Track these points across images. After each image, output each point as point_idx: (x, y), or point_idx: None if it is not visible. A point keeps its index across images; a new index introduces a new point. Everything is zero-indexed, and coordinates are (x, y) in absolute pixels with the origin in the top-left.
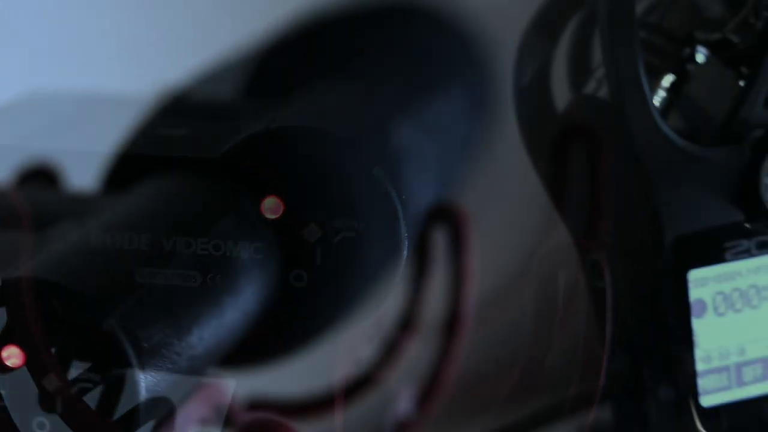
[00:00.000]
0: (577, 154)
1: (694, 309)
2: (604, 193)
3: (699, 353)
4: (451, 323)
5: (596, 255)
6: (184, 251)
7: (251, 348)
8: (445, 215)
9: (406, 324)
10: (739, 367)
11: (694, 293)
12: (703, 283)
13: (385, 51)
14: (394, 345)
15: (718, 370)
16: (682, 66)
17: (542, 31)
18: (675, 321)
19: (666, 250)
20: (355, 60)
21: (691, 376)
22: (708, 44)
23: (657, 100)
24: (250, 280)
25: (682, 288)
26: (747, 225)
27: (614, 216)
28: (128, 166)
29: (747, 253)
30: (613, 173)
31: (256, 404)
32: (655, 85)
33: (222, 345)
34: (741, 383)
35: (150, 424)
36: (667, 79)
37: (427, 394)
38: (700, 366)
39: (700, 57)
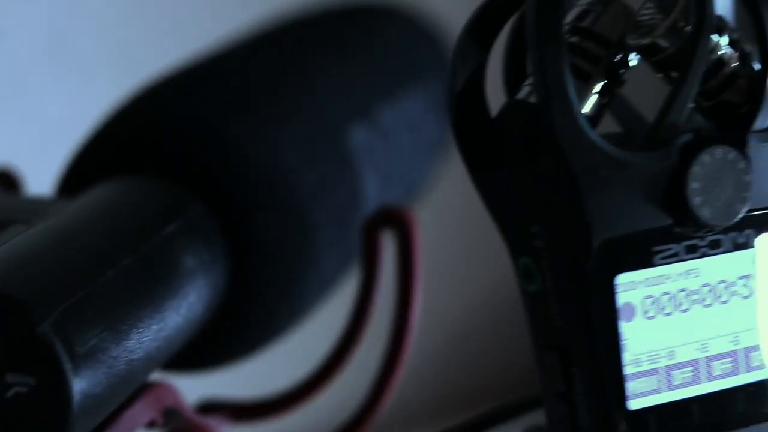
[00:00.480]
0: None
1: (623, 313)
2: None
3: (628, 357)
4: (399, 326)
5: (528, 258)
6: (125, 258)
7: (200, 351)
8: (392, 219)
9: (354, 326)
10: (669, 370)
11: (623, 297)
12: (632, 287)
13: (354, 51)
14: (342, 346)
15: (647, 374)
16: (615, 71)
17: (475, 37)
18: (603, 325)
19: (593, 254)
20: (318, 61)
21: (619, 379)
22: (639, 49)
23: (589, 105)
24: (195, 287)
25: (609, 292)
26: (676, 229)
27: (543, 220)
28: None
29: (676, 257)
30: (542, 176)
31: (208, 406)
32: (587, 90)
33: (165, 349)
34: (671, 386)
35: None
36: (599, 85)
37: (374, 394)
38: (629, 369)
39: (632, 62)
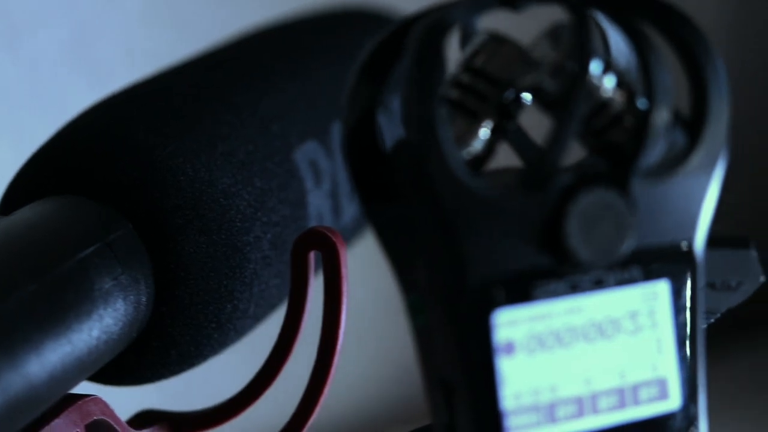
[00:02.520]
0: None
1: (502, 349)
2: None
3: (508, 391)
4: (325, 347)
5: (414, 294)
6: (30, 283)
7: (131, 366)
8: (319, 241)
9: (282, 346)
10: (552, 405)
11: (503, 333)
12: (512, 323)
13: (315, 65)
14: (270, 365)
15: (528, 409)
16: (505, 110)
17: (367, 76)
18: (480, 360)
19: (468, 292)
20: (271, 78)
21: (497, 414)
22: (529, 88)
23: (477, 143)
24: (112, 309)
25: (485, 329)
26: (557, 267)
27: (424, 257)
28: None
29: (557, 294)
30: (421, 215)
31: (143, 419)
32: (473, 129)
33: (77, 371)
34: (553, 421)
35: None
36: (488, 125)
37: (301, 412)
38: (508, 404)
39: (522, 102)
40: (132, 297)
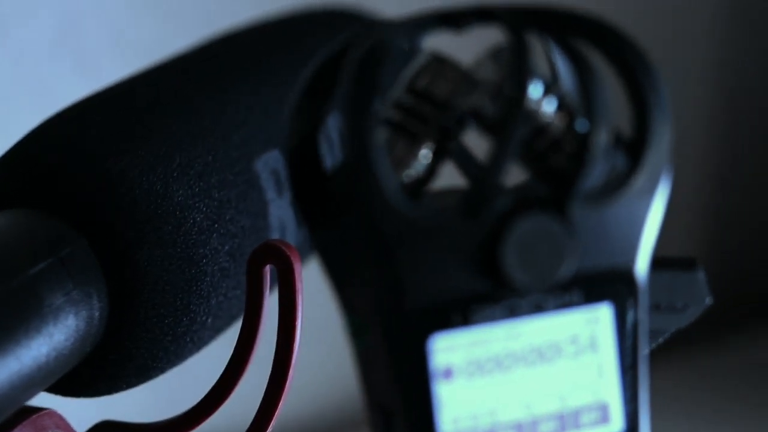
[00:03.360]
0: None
1: (440, 373)
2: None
3: (446, 416)
4: (280, 362)
5: (354, 316)
6: None
7: (88, 379)
8: (274, 254)
9: (238, 360)
10: (491, 430)
11: (440, 358)
12: (450, 348)
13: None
14: (226, 378)
15: None
16: (446, 133)
17: (310, 94)
18: (415, 385)
19: (404, 316)
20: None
21: None
22: (469, 111)
23: (418, 165)
24: (62, 324)
25: (422, 353)
26: (495, 291)
27: (362, 280)
28: None
29: (496, 319)
30: (358, 238)
31: (102, 430)
32: (413, 150)
33: (26, 386)
34: None
35: None
36: (429, 146)
37: (256, 427)
38: (446, 428)
39: (463, 124)
40: (84, 312)
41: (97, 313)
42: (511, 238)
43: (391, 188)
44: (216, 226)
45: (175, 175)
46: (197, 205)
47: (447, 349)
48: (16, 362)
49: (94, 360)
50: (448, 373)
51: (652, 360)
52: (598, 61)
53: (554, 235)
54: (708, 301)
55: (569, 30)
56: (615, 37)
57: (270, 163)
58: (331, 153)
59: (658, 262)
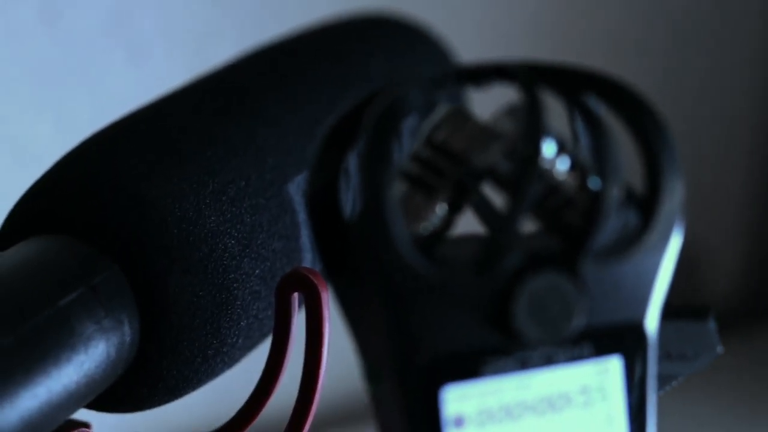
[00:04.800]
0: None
1: (453, 422)
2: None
3: None
4: (306, 388)
5: (370, 363)
6: (6, 336)
7: (121, 397)
8: (301, 282)
9: (264, 385)
10: None
11: (452, 407)
12: (462, 398)
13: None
14: (252, 403)
15: None
16: (462, 187)
17: (332, 145)
18: None
19: (421, 367)
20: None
21: None
22: (485, 168)
23: (435, 218)
24: (93, 353)
25: (434, 403)
26: (505, 345)
27: (378, 330)
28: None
29: (507, 370)
30: (369, 290)
31: None
32: (430, 204)
33: (55, 413)
34: None
35: None
36: (446, 199)
37: None
38: None
39: (480, 178)
40: (115, 338)
41: (128, 339)
42: (522, 295)
43: (405, 244)
44: (247, 250)
45: (207, 201)
46: (229, 230)
47: (459, 398)
48: (46, 393)
49: (125, 381)
50: (459, 422)
51: None
52: (610, 118)
53: (565, 292)
54: (719, 350)
55: (582, 88)
56: (627, 96)
57: (302, 185)
58: (349, 200)
59: (669, 311)
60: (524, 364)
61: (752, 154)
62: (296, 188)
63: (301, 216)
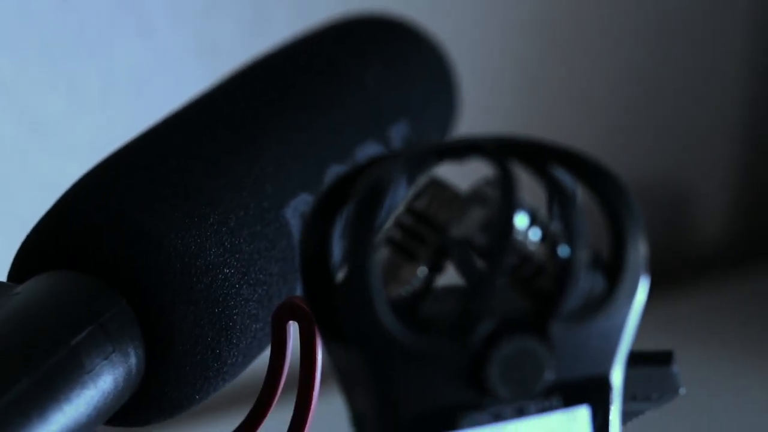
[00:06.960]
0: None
1: None
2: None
3: None
4: (298, 417)
5: (357, 416)
6: (20, 380)
7: (128, 416)
8: (295, 312)
9: (258, 410)
10: None
11: None
12: None
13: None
14: (246, 427)
15: None
16: (442, 253)
17: (322, 213)
18: None
19: (400, 422)
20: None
21: None
22: (461, 239)
23: (415, 281)
24: (100, 388)
25: None
26: (480, 402)
27: (359, 391)
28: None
29: (481, 423)
30: (350, 349)
31: None
32: (411, 269)
33: None
34: None
35: None
36: (426, 263)
37: None
38: None
39: (457, 247)
40: (122, 369)
41: (134, 369)
42: (495, 358)
43: (386, 313)
44: (246, 277)
45: (208, 233)
46: (228, 260)
47: None
48: (57, 427)
49: (131, 405)
50: None
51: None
52: (577, 188)
53: (536, 353)
54: (681, 391)
55: (549, 160)
56: (590, 167)
57: (299, 208)
58: (337, 264)
59: (635, 358)
60: (498, 416)
61: (744, 90)
62: (292, 212)
63: (297, 239)
